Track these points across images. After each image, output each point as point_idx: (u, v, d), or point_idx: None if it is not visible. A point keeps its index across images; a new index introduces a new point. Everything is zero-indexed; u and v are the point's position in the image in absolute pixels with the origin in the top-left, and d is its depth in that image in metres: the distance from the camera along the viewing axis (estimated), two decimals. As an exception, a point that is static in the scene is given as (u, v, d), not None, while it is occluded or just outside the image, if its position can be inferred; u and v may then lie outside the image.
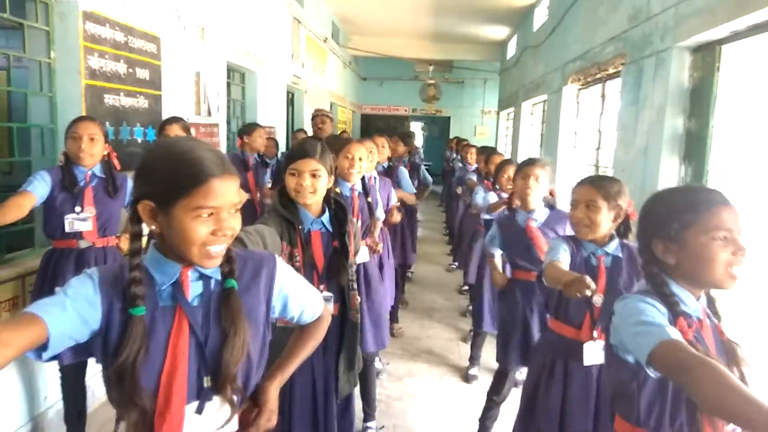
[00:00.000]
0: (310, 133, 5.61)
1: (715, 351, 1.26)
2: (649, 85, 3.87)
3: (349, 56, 12.37)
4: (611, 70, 4.87)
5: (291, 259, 1.87)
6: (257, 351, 1.20)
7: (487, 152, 5.20)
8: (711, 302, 1.35)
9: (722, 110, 3.26)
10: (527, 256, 2.64)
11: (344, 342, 1.96)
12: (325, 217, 1.99)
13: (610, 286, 1.94)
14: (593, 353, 1.96)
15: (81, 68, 3.10)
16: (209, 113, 4.41)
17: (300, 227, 1.93)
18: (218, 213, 1.08)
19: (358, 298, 1.97)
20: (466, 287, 5.68)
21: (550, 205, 2.76)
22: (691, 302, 1.29)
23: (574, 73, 5.94)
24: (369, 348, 2.78)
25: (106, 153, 2.66)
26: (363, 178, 2.97)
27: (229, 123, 5.67)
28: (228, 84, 5.41)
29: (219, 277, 1.16)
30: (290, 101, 7.85)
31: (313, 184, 1.92)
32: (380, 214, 3.24)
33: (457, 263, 6.46)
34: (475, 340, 3.81)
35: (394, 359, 4.00)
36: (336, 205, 2.02)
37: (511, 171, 3.56)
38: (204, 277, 1.16)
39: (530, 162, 2.72)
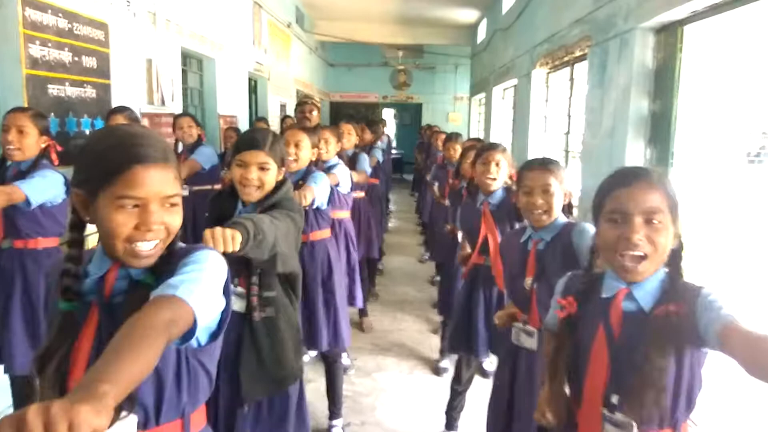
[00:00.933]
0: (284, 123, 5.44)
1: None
2: (614, 67, 3.81)
3: (316, 42, 12.13)
4: (578, 53, 4.81)
5: None
6: (171, 364, 1.02)
7: (450, 139, 5.10)
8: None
9: (686, 91, 3.21)
10: (476, 238, 2.65)
11: (243, 342, 1.73)
12: (253, 206, 1.80)
13: (540, 270, 1.85)
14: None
15: (21, 57, 2.92)
16: (163, 102, 4.22)
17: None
18: (145, 205, 0.97)
19: (256, 293, 1.74)
20: (437, 277, 5.62)
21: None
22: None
23: (543, 57, 5.87)
24: (323, 348, 2.68)
25: (44, 146, 2.45)
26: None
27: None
28: (184, 71, 5.21)
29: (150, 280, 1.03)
30: (253, 89, 7.64)
31: (259, 178, 1.78)
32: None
33: (429, 254, 6.38)
34: (445, 331, 3.74)
35: (364, 354, 3.91)
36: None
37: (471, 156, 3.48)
38: (130, 278, 1.04)
39: (490, 147, 2.67)
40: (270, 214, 1.64)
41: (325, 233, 2.81)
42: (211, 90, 5.68)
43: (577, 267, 1.57)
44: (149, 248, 0.99)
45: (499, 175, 2.59)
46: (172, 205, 1.01)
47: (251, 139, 1.82)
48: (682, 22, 3.15)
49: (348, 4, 10.28)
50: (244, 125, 6.46)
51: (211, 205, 1.86)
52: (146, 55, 4.05)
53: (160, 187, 0.98)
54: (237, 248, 1.37)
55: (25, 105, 2.85)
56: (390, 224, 8.69)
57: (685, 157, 3.23)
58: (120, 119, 3.13)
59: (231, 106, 6.10)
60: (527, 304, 1.89)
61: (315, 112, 4.10)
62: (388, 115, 17.15)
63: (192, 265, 1.00)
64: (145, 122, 4.03)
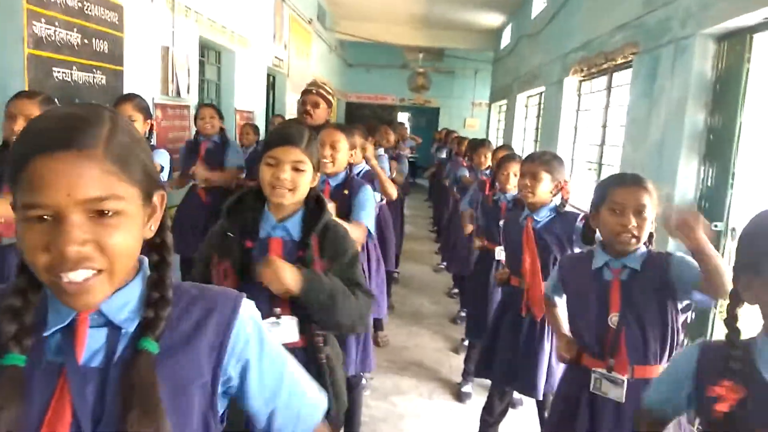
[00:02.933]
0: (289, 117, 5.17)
1: None
2: (666, 77, 3.52)
3: (336, 40, 11.89)
4: (620, 60, 4.51)
5: (224, 278, 1.46)
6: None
7: (482, 145, 4.84)
8: None
9: (753, 105, 2.92)
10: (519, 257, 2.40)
11: None
12: (293, 221, 1.54)
13: (627, 305, 1.63)
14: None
15: (24, 35, 2.66)
16: (178, 93, 3.96)
17: (254, 234, 1.51)
18: (59, 216, 0.64)
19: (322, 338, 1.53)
20: (456, 290, 5.34)
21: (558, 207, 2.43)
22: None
23: (577, 64, 5.57)
24: (351, 372, 2.40)
25: None
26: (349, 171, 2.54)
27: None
28: (202, 63, 4.96)
29: (131, 328, 0.73)
30: (271, 85, 7.40)
31: (293, 179, 1.50)
32: (368, 221, 2.24)
33: (445, 263, 6.09)
34: (469, 352, 3.45)
35: (380, 373, 3.62)
36: (315, 203, 1.57)
37: (513, 168, 3.20)
38: (110, 325, 0.73)
39: (532, 158, 2.43)
40: (353, 291, 1.51)
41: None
42: (230, 83, 5.42)
43: (671, 301, 1.59)
44: (79, 279, 0.65)
45: (541, 188, 2.35)
46: (115, 213, 0.67)
47: (286, 134, 1.54)
48: (753, 30, 2.85)
49: (371, 3, 10.03)
50: (261, 122, 6.21)
51: (229, 215, 1.54)
52: (162, 42, 3.80)
53: (75, 188, 0.63)
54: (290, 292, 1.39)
55: (26, 88, 2.60)
56: (405, 230, 8.42)
57: (749, 178, 2.93)
58: (128, 108, 2.87)
59: (248, 101, 5.85)
60: (612, 345, 1.61)
61: (322, 105, 3.04)
62: (404, 118, 16.88)
63: (264, 351, 0.82)
64: (158, 113, 3.78)
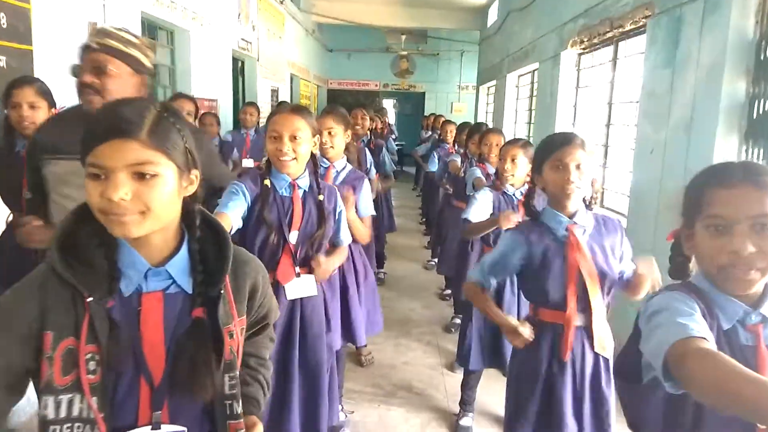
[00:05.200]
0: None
1: None
2: (693, 40, 2.95)
3: (313, 23, 11.21)
4: (629, 26, 3.93)
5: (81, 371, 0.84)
6: None
7: (471, 129, 4.23)
8: None
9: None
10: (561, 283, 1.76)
11: None
12: (176, 262, 0.94)
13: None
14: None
15: None
16: (111, 78, 3.32)
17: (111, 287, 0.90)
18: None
19: None
20: (448, 291, 4.78)
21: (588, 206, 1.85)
22: None
23: (576, 35, 4.99)
24: (361, 341, 2.58)
25: None
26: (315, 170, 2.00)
27: (155, 93, 4.59)
28: (154, 46, 4.32)
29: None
30: (240, 70, 6.75)
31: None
32: (344, 236, 2.11)
33: (436, 260, 5.51)
34: (467, 378, 2.89)
35: (363, 402, 3.06)
36: (206, 231, 0.99)
37: (518, 154, 2.63)
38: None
39: (570, 139, 1.76)
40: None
41: None
42: (185, 68, 4.78)
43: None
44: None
45: (583, 179, 1.72)
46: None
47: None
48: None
49: (348, -20, 9.37)
50: (227, 110, 5.58)
51: (63, 258, 0.91)
52: (87, 17, 3.15)
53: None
54: None
55: None
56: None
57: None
58: (29, 94, 2.27)
59: (210, 88, 5.21)
60: None
61: (115, 70, 1.63)
62: (388, 104, 16.26)
63: None
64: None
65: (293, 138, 1.84)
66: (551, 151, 1.72)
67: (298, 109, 1.91)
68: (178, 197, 0.91)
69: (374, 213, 2.52)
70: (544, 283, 1.76)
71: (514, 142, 2.71)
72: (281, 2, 8.16)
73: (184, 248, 0.95)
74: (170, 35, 4.66)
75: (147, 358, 0.89)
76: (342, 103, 13.35)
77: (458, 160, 4.47)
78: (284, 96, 8.50)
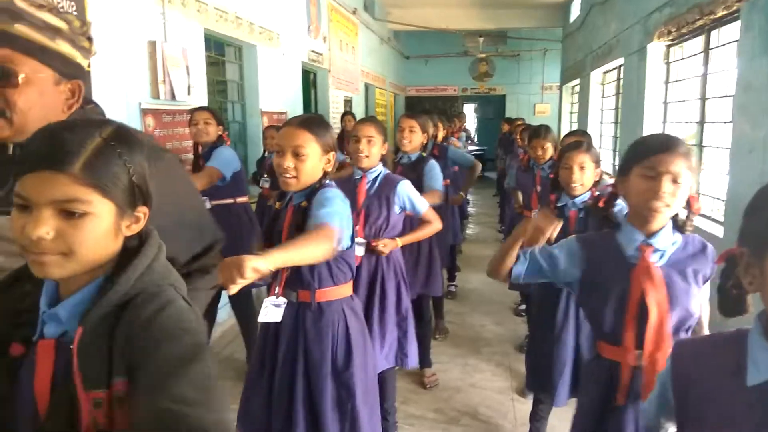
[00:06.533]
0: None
1: None
2: (800, 21, 2.53)
3: (388, 31, 11.17)
4: (720, 13, 3.49)
5: None
6: None
7: (537, 135, 3.88)
8: None
9: None
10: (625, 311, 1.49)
11: None
12: (69, 305, 0.79)
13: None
14: None
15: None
16: (173, 96, 3.37)
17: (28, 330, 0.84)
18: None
19: None
20: (523, 306, 4.48)
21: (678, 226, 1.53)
22: None
23: (662, 25, 4.54)
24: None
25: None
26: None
27: (224, 108, 4.69)
28: (217, 61, 4.41)
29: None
30: (312, 82, 6.79)
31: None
32: (421, 205, 2.54)
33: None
34: (536, 409, 2.62)
35: (423, 428, 2.88)
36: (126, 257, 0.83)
37: (585, 160, 2.36)
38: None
39: (670, 145, 1.42)
40: None
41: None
42: (253, 83, 4.84)
43: None
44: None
45: (678, 197, 1.42)
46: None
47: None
48: None
49: (422, -14, 9.24)
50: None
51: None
52: (147, 36, 3.22)
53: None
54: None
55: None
56: (468, 231, 7.59)
57: None
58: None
59: (279, 101, 5.25)
60: None
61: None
62: (469, 109, 15.95)
63: None
64: (148, 120, 3.22)
65: (296, 154, 1.70)
66: (645, 155, 1.42)
67: (309, 123, 1.75)
68: (114, 238, 0.79)
69: (428, 205, 2.53)
70: (600, 310, 1.50)
71: (576, 146, 2.40)
72: (354, 12, 8.17)
73: (91, 286, 0.79)
74: (238, 51, 4.73)
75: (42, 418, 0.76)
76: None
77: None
78: (358, 106, 8.49)
